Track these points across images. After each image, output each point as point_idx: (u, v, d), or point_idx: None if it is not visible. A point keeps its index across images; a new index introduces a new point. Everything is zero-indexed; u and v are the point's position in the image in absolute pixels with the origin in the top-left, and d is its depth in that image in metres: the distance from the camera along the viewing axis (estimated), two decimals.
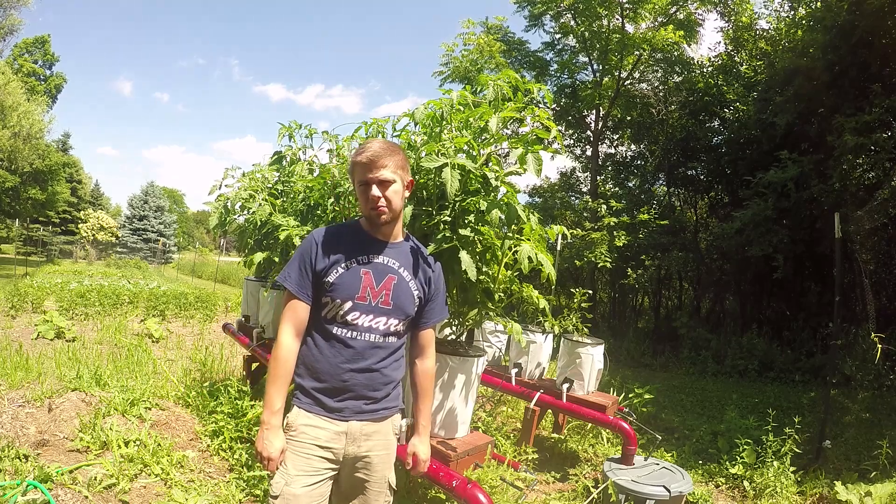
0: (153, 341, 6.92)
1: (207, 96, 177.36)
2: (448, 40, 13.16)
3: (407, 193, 1.69)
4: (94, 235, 28.81)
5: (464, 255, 1.98)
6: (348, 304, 1.57)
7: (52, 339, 6.26)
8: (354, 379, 1.58)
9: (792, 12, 10.02)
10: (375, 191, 1.56)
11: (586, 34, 11.43)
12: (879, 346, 4.17)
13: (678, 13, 11.34)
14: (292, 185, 3.65)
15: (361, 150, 1.59)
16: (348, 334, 1.58)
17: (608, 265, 9.31)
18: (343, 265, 1.59)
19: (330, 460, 1.58)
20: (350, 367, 1.57)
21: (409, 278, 1.66)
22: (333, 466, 1.60)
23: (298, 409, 1.60)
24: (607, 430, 4.06)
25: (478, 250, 2.24)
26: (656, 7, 11.09)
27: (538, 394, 3.56)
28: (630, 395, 5.06)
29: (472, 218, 2.14)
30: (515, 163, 2.07)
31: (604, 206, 9.11)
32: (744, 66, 11.13)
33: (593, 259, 9.27)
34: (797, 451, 3.66)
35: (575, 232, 9.83)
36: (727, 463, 3.85)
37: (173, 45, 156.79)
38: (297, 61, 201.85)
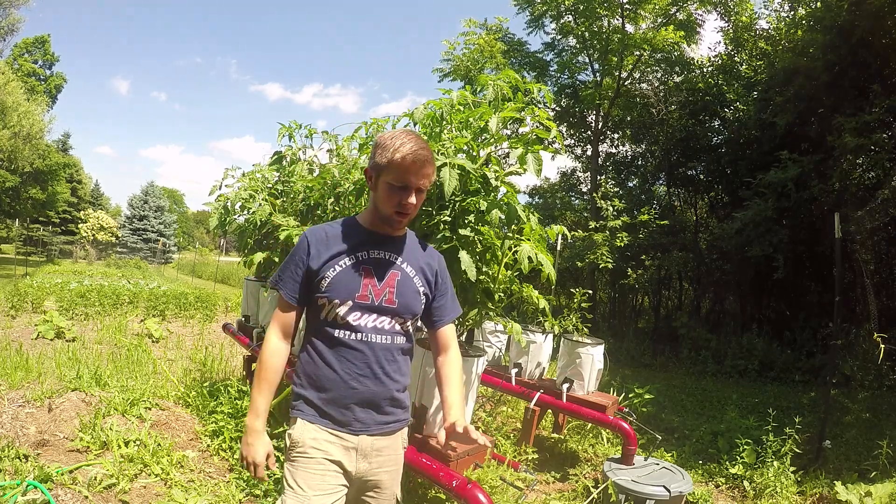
0: (153, 341, 6.92)
1: (205, 96, 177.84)
2: (449, 37, 13.18)
3: None
4: (94, 235, 28.80)
5: (464, 255, 1.98)
6: (348, 305, 1.45)
7: (52, 339, 6.26)
8: (364, 385, 1.46)
9: (792, 12, 10.02)
10: (413, 198, 1.45)
11: (586, 34, 11.45)
12: (882, 346, 4.17)
13: (678, 14, 11.35)
14: (292, 185, 3.65)
15: (401, 147, 1.41)
16: (353, 337, 1.46)
17: (609, 266, 9.31)
18: (340, 263, 1.47)
19: (343, 475, 1.47)
20: (359, 372, 1.46)
21: (413, 273, 1.55)
22: (346, 483, 1.48)
23: (303, 421, 1.47)
24: (607, 430, 4.05)
25: (478, 250, 2.24)
26: (656, 7, 11.10)
27: (538, 394, 3.56)
28: (630, 395, 5.06)
29: (472, 218, 2.14)
30: (515, 163, 2.07)
31: (610, 207, 9.08)
32: (744, 66, 11.13)
33: (595, 260, 9.27)
34: (797, 451, 3.66)
35: (577, 233, 9.83)
36: (727, 463, 3.85)
37: (170, 44, 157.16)
38: (294, 60, 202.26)
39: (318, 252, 1.48)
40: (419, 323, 1.65)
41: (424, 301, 1.58)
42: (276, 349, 1.50)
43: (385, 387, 1.49)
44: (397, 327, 1.51)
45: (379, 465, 1.51)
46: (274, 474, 2.60)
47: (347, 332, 1.46)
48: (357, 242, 1.51)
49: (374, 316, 1.48)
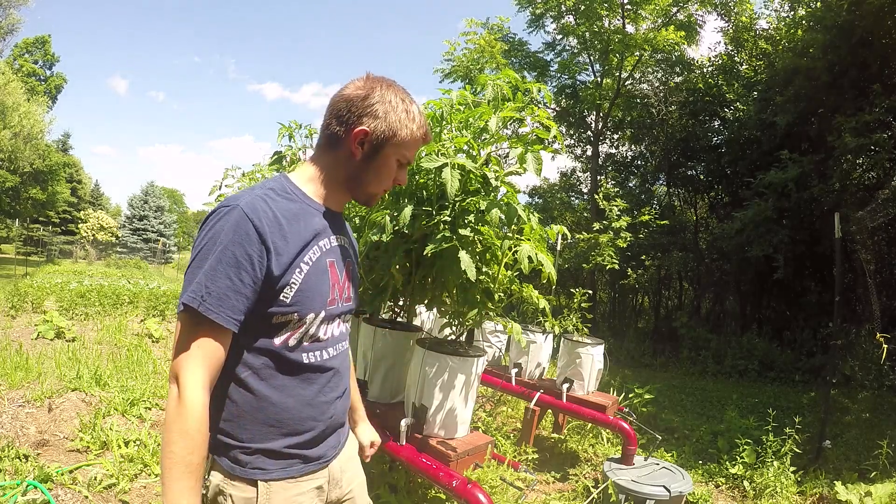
0: (153, 341, 6.91)
1: (203, 95, 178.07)
2: (448, 37, 13.21)
3: None
4: (94, 235, 28.84)
5: (463, 255, 1.98)
6: (320, 317, 1.09)
7: (52, 339, 6.25)
8: (337, 409, 1.20)
9: (792, 12, 10.04)
10: (404, 175, 1.21)
11: (587, 35, 11.46)
12: (885, 346, 4.16)
13: (679, 14, 11.36)
14: None
15: (419, 118, 1.17)
16: (323, 356, 1.13)
17: (615, 267, 9.31)
18: (305, 259, 1.06)
19: None
20: (334, 395, 1.17)
21: (356, 257, 1.30)
22: None
23: (268, 483, 1.06)
24: (607, 430, 4.05)
25: (478, 250, 2.24)
26: (657, 8, 11.12)
27: (538, 394, 3.55)
28: (630, 395, 5.07)
29: (472, 218, 2.14)
30: (515, 163, 2.07)
31: (615, 209, 9.04)
32: (744, 66, 11.16)
33: (601, 262, 9.25)
34: (797, 451, 3.66)
35: (581, 235, 9.82)
36: (727, 463, 3.85)
37: (168, 43, 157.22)
38: (292, 60, 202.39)
39: (275, 245, 1.00)
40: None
41: None
42: (204, 409, 0.93)
43: (349, 398, 1.28)
44: (349, 326, 1.27)
45: (349, 482, 1.27)
46: None
47: (317, 353, 1.12)
48: (316, 225, 1.11)
49: (337, 322, 1.18)
